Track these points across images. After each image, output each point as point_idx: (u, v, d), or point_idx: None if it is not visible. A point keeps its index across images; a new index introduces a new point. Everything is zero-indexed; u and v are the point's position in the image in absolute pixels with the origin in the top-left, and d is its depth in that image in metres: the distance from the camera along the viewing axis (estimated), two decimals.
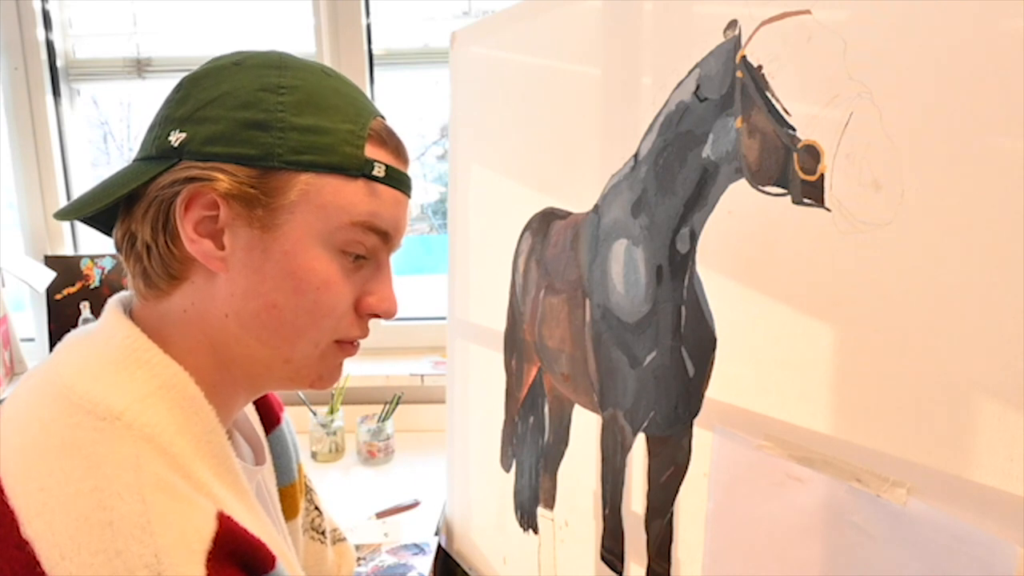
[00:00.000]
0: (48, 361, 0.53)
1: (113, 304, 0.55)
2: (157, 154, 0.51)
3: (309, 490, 0.79)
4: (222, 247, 0.51)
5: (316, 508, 0.79)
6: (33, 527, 0.42)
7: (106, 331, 0.52)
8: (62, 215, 0.54)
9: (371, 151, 0.54)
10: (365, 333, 0.58)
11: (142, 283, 0.53)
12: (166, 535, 0.43)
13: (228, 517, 0.46)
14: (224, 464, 0.51)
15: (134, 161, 0.54)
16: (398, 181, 0.56)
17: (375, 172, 0.53)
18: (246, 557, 0.47)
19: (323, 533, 0.79)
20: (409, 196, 0.58)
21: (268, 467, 0.68)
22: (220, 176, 0.49)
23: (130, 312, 0.55)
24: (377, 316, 0.58)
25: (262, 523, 0.53)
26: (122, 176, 0.53)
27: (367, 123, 0.54)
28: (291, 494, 0.71)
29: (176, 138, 0.51)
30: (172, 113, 0.52)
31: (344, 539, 0.84)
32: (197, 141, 0.50)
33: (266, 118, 0.50)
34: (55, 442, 0.45)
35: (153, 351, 0.50)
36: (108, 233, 0.56)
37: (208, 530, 0.45)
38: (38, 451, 0.45)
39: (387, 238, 0.56)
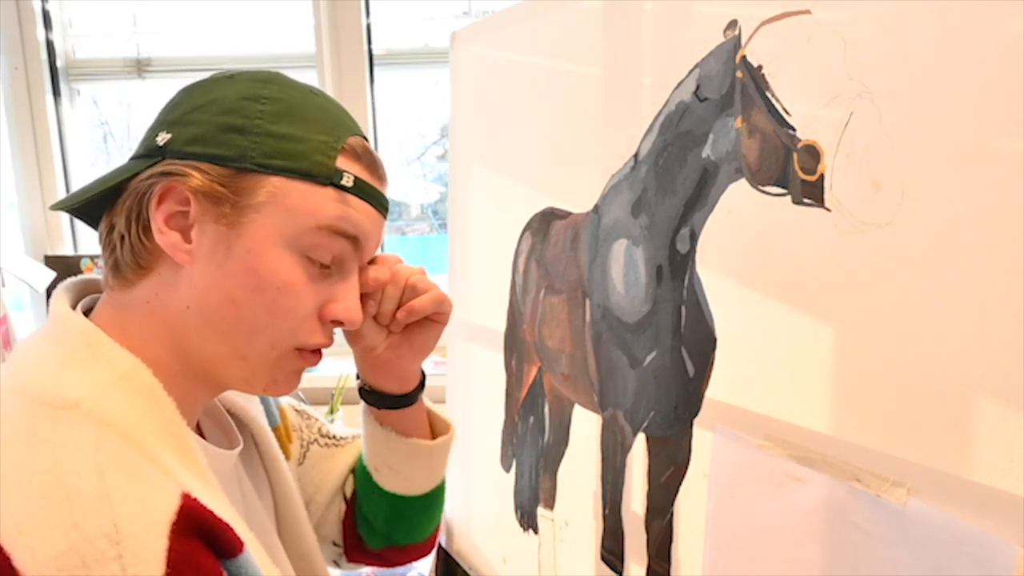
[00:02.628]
0: (7, 362, 0.53)
1: (60, 300, 0.55)
2: (145, 153, 0.55)
3: (306, 414, 0.82)
4: (189, 241, 0.53)
5: (312, 417, 0.82)
6: None
7: (58, 329, 0.53)
8: (58, 206, 0.56)
9: (343, 163, 0.55)
10: (328, 341, 0.58)
11: (111, 274, 0.55)
12: (125, 507, 0.43)
13: (194, 498, 0.47)
14: (188, 455, 0.51)
15: (128, 160, 0.56)
16: (369, 194, 0.57)
17: (343, 181, 0.55)
18: (212, 536, 0.47)
19: (333, 437, 0.81)
20: (383, 214, 0.59)
21: (261, 426, 0.70)
22: (194, 173, 0.52)
23: (85, 301, 0.57)
24: (340, 324, 0.58)
25: (228, 511, 0.53)
26: (113, 172, 0.55)
27: (343, 137, 0.56)
28: (279, 436, 0.73)
29: (162, 138, 0.53)
30: (165, 117, 0.55)
31: (355, 437, 0.85)
32: (180, 141, 0.53)
33: (244, 123, 0.53)
34: (12, 432, 0.46)
35: (109, 344, 0.51)
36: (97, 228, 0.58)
37: (172, 504, 0.45)
38: None
39: (356, 243, 0.57)
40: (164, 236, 0.52)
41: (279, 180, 0.53)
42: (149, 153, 0.54)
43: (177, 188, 0.52)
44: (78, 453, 0.45)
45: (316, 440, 0.80)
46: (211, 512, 0.47)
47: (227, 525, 0.48)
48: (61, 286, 0.57)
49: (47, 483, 0.43)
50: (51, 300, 0.56)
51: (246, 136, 0.52)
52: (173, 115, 0.55)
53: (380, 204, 0.58)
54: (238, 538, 0.49)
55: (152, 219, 0.52)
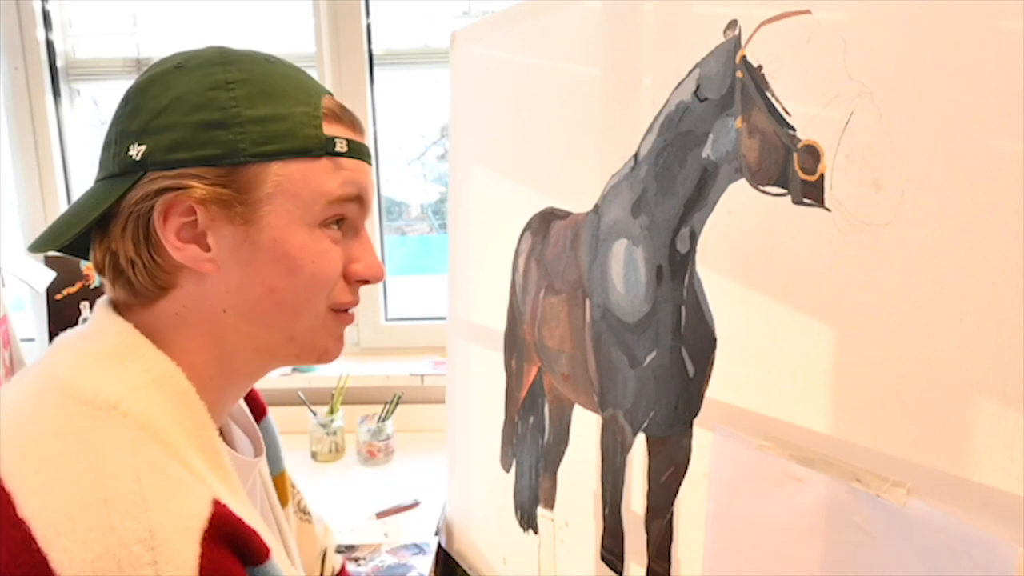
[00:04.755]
0: (40, 360, 0.53)
1: (102, 303, 0.55)
2: (120, 171, 0.52)
3: (294, 486, 0.80)
4: (207, 248, 0.52)
5: (296, 489, 0.80)
6: (29, 507, 0.43)
7: (97, 328, 0.53)
8: (37, 247, 0.54)
9: (329, 128, 0.55)
10: (356, 300, 0.59)
11: (127, 294, 0.54)
12: (161, 512, 0.43)
13: (224, 504, 0.47)
14: (215, 460, 0.51)
15: (96, 182, 0.54)
16: (359, 152, 0.57)
17: (338, 148, 0.55)
18: (240, 544, 0.47)
19: (308, 512, 0.81)
20: (370, 164, 0.59)
21: (264, 457, 0.69)
22: (191, 183, 0.50)
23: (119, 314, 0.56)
24: (367, 282, 0.59)
25: (254, 518, 0.53)
26: (90, 199, 0.53)
27: (319, 102, 0.55)
28: (282, 483, 0.73)
29: (137, 151, 0.51)
30: (127, 127, 0.52)
31: (320, 519, 0.85)
32: (159, 151, 0.50)
33: (222, 116, 0.51)
34: (51, 429, 0.46)
35: (146, 346, 0.52)
36: (85, 257, 0.57)
37: (203, 511, 0.45)
38: (33, 438, 0.46)
39: (361, 202, 0.57)
40: (182, 252, 0.51)
41: (278, 166, 0.52)
42: (126, 170, 0.51)
43: (180, 202, 0.50)
44: (117, 455, 0.45)
45: (295, 511, 0.79)
46: (240, 519, 0.47)
47: (254, 532, 0.48)
48: (107, 295, 0.57)
49: (86, 484, 0.43)
50: (95, 305, 0.56)
51: (229, 129, 0.51)
52: (137, 124, 0.52)
53: (368, 157, 0.59)
54: (264, 545, 0.49)
55: (164, 238, 0.51)
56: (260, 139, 0.51)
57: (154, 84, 0.53)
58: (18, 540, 0.42)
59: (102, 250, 0.54)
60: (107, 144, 0.54)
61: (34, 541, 0.41)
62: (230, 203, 0.51)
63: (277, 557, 0.50)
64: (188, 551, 0.43)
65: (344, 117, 0.57)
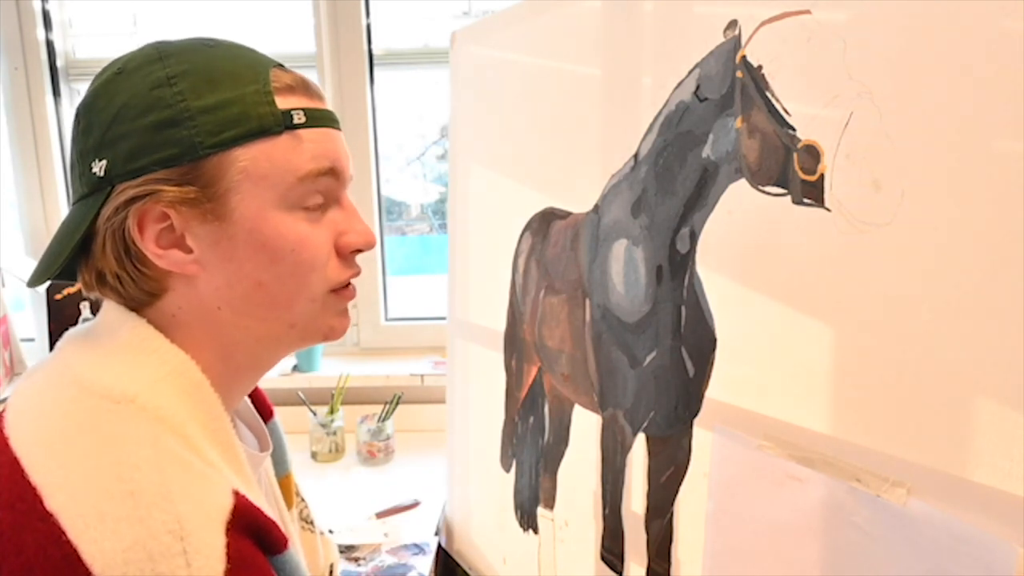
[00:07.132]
0: (52, 357, 0.54)
1: (110, 301, 0.55)
2: (89, 190, 0.52)
3: (299, 493, 0.80)
4: (189, 250, 0.52)
5: (303, 499, 0.80)
6: (56, 500, 0.43)
7: (110, 323, 0.53)
8: (32, 282, 0.55)
9: (283, 102, 0.53)
10: (356, 271, 0.58)
11: (126, 307, 0.54)
12: (186, 503, 0.44)
13: (243, 495, 0.48)
14: (229, 451, 0.52)
15: (72, 205, 0.54)
16: (320, 119, 0.55)
17: (296, 120, 0.53)
18: (261, 534, 0.48)
19: (311, 523, 0.80)
20: (338, 129, 0.57)
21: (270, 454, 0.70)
22: (158, 187, 0.50)
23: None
24: (360, 251, 0.58)
25: (269, 509, 0.54)
26: (69, 224, 0.53)
27: (268, 77, 0.53)
28: (287, 485, 0.73)
29: (99, 167, 0.51)
30: (84, 146, 0.52)
31: (323, 532, 0.85)
32: (120, 162, 0.50)
33: (172, 114, 0.50)
34: (72, 423, 0.47)
35: (160, 340, 0.52)
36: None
37: (226, 502, 0.46)
38: (55, 432, 0.47)
39: (335, 173, 0.55)
40: (164, 258, 0.51)
41: (239, 151, 0.51)
42: (94, 189, 0.51)
43: (150, 208, 0.50)
44: (138, 448, 0.46)
45: (296, 519, 0.78)
46: (259, 510, 0.48)
47: (273, 522, 0.49)
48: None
49: (111, 477, 0.44)
50: (104, 303, 0.55)
51: (181, 125, 0.50)
52: (92, 140, 0.51)
53: (333, 122, 0.57)
54: (283, 535, 0.50)
55: (144, 249, 0.51)
56: (214, 128, 0.50)
57: (100, 96, 0.52)
58: (47, 533, 0.42)
59: (89, 271, 0.54)
60: (72, 167, 0.54)
61: (64, 534, 0.42)
62: (198, 200, 0.50)
63: (292, 545, 0.51)
64: (215, 541, 0.44)
65: (297, 87, 0.55)
